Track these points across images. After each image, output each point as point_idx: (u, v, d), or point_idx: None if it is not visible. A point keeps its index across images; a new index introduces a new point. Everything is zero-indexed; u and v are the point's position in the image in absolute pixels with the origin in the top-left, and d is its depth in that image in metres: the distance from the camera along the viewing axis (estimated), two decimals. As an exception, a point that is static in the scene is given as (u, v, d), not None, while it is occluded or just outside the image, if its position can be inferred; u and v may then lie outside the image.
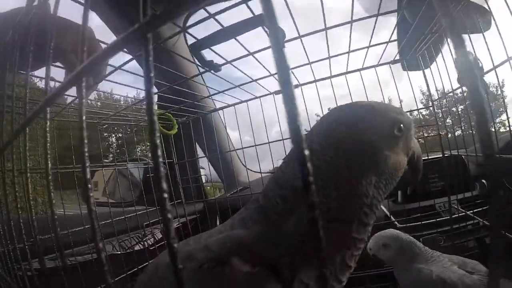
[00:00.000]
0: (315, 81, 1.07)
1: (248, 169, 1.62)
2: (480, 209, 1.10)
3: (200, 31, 0.77)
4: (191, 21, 0.71)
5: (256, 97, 1.17)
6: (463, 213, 1.12)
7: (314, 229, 0.12)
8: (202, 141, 1.49)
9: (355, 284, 1.11)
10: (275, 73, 0.89)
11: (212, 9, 0.64)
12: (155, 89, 1.10)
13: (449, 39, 0.88)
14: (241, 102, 1.20)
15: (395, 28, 0.85)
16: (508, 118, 0.75)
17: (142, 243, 1.28)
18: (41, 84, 0.95)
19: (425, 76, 1.04)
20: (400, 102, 1.09)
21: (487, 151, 0.14)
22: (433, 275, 0.79)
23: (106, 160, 1.73)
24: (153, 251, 1.25)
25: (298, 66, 0.97)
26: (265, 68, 0.94)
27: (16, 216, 0.55)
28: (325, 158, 0.50)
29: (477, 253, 1.18)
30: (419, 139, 1.16)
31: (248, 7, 0.64)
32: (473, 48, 0.75)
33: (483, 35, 0.74)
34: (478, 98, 0.14)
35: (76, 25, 0.66)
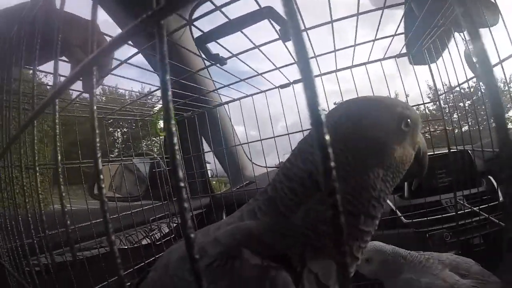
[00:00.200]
0: (320, 75, 1.07)
1: (254, 163, 1.62)
2: (487, 205, 1.09)
3: (206, 24, 0.76)
4: (197, 14, 0.70)
5: (262, 91, 1.17)
6: (469, 209, 1.11)
7: (335, 214, 0.12)
8: (207, 135, 1.49)
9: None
10: (281, 67, 0.89)
11: (218, 1, 0.64)
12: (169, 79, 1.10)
13: (455, 33, 0.88)
14: (247, 96, 1.20)
15: (401, 21, 0.84)
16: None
17: (149, 238, 1.29)
18: (45, 79, 0.96)
19: (431, 70, 1.03)
20: (406, 97, 1.08)
21: (503, 139, 0.14)
22: (423, 287, 0.76)
23: (112, 155, 1.73)
24: (160, 246, 1.26)
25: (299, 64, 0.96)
26: (271, 62, 0.93)
27: (23, 211, 0.56)
28: (333, 151, 0.49)
29: (482, 250, 1.18)
30: (426, 134, 1.15)
31: (255, -1, 0.64)
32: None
33: (490, 29, 0.73)
34: (493, 87, 0.14)
35: (81, 19, 0.66)
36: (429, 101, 1.20)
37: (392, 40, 0.91)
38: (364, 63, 1.03)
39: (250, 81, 1.06)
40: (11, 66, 0.51)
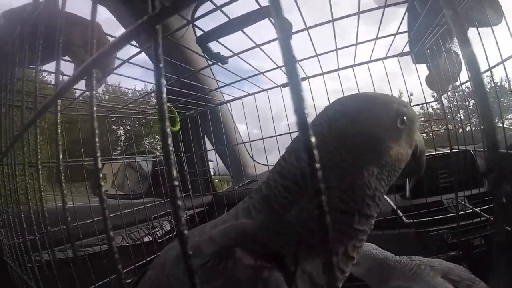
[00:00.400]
0: (322, 73, 1.07)
1: (256, 161, 1.62)
2: (488, 206, 1.09)
3: (208, 23, 0.77)
4: (198, 13, 0.71)
5: (263, 90, 1.17)
6: (471, 210, 1.10)
7: (321, 215, 0.12)
8: (210, 134, 1.49)
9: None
10: (282, 66, 0.89)
11: (219, 1, 0.64)
12: (164, 82, 1.11)
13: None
14: (249, 95, 1.20)
15: (403, 18, 0.84)
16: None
17: (150, 235, 1.29)
18: (48, 78, 0.96)
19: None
20: (410, 95, 1.08)
21: (490, 140, 0.14)
22: None
23: (115, 153, 1.74)
24: (161, 243, 1.27)
25: (305, 59, 0.96)
26: (272, 61, 0.93)
27: (26, 208, 0.56)
28: (327, 148, 0.50)
29: (483, 251, 1.17)
30: (429, 134, 1.15)
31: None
32: (481, 41, 0.74)
33: (492, 28, 0.73)
34: (482, 89, 0.14)
35: (83, 19, 0.66)
36: (432, 100, 1.19)
37: (394, 39, 0.91)
38: (366, 62, 1.03)
39: (252, 79, 1.06)
40: (14, 66, 0.52)
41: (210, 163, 1.74)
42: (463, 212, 1.12)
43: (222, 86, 1.20)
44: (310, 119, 0.13)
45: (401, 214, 1.26)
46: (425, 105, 1.12)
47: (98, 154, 0.18)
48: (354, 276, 0.93)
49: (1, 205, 0.69)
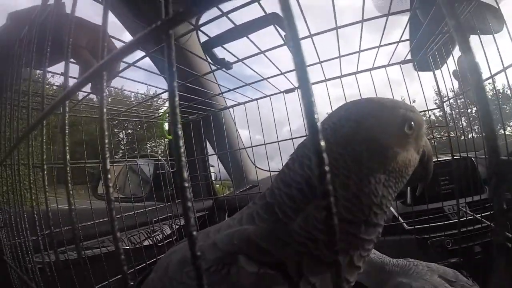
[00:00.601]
0: (325, 80, 1.07)
1: (257, 167, 1.62)
2: (489, 213, 1.08)
3: (212, 29, 0.77)
4: (204, 19, 0.71)
5: (266, 96, 1.18)
6: (472, 217, 1.10)
7: (328, 216, 0.12)
8: (212, 138, 1.50)
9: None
10: (286, 72, 0.90)
11: (225, 7, 0.65)
12: (166, 86, 1.11)
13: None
14: (252, 100, 1.21)
15: (405, 27, 0.84)
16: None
17: (151, 239, 1.30)
18: (52, 80, 0.97)
19: (435, 77, 1.03)
20: (412, 103, 1.09)
21: (491, 145, 0.14)
22: None
23: (116, 156, 1.74)
24: (162, 247, 1.27)
25: (308, 65, 0.96)
26: (276, 67, 0.94)
27: (28, 209, 0.57)
28: (332, 155, 0.48)
29: (483, 258, 1.17)
30: (430, 141, 1.15)
31: (260, 5, 0.65)
32: (483, 48, 0.74)
33: (493, 36, 0.73)
34: (483, 95, 0.14)
35: (88, 22, 0.67)
36: (435, 107, 1.19)
37: (396, 47, 0.91)
38: (369, 69, 1.04)
39: (255, 85, 1.07)
40: (20, 66, 0.52)
41: (211, 168, 1.74)
42: (464, 218, 1.12)
43: (225, 92, 1.20)
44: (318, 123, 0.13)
45: (402, 221, 1.26)
46: (427, 112, 1.12)
47: (107, 155, 0.18)
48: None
49: (3, 205, 0.70)
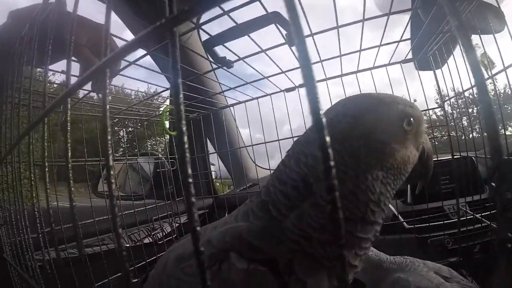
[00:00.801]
0: (325, 79, 1.07)
1: (258, 165, 1.63)
2: (489, 212, 1.08)
3: (213, 28, 0.77)
4: (205, 18, 0.71)
5: (267, 94, 1.18)
6: (472, 216, 1.11)
7: (333, 210, 0.12)
8: (212, 137, 1.50)
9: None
10: (287, 71, 0.90)
11: (226, 6, 0.65)
12: (168, 84, 1.11)
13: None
14: (252, 99, 1.21)
15: (406, 26, 0.84)
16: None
17: (151, 237, 1.30)
18: (52, 78, 0.97)
19: (436, 76, 1.03)
20: (414, 102, 1.09)
21: (493, 144, 0.14)
22: (411, 286, 0.73)
23: (117, 155, 1.75)
24: (162, 245, 1.27)
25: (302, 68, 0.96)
26: (277, 65, 0.94)
27: (28, 207, 0.57)
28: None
29: (483, 257, 1.17)
30: (431, 140, 1.15)
31: (262, 4, 0.65)
32: (483, 48, 0.74)
33: (494, 36, 0.73)
34: (485, 95, 0.14)
35: (88, 20, 0.67)
36: (435, 106, 1.19)
37: (397, 46, 0.91)
38: (370, 68, 1.04)
39: (256, 84, 1.07)
40: (21, 64, 0.52)
41: (211, 166, 1.74)
42: (464, 218, 1.12)
43: (226, 90, 1.21)
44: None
45: (402, 220, 1.26)
46: (427, 111, 1.12)
47: (111, 151, 0.18)
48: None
49: (3, 202, 0.70)
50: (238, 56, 0.84)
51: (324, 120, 0.13)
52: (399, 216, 1.27)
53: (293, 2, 0.13)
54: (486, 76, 0.74)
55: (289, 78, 1.05)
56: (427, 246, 1.21)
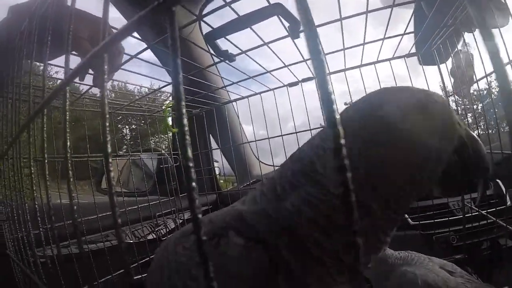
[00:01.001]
0: (329, 73, 1.06)
1: (261, 162, 1.62)
2: (494, 209, 1.07)
3: (214, 21, 0.77)
4: (207, 9, 0.71)
5: (270, 89, 1.17)
6: (477, 212, 1.10)
7: (346, 192, 0.12)
8: (216, 133, 1.50)
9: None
10: (290, 65, 0.89)
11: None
12: (169, 79, 1.11)
13: (465, 33, 0.87)
14: (255, 94, 1.20)
15: (410, 19, 0.83)
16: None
17: (154, 233, 1.30)
18: (52, 73, 0.97)
19: (440, 71, 1.02)
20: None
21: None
22: (418, 279, 0.72)
23: (120, 152, 1.75)
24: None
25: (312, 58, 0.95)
26: (280, 59, 0.93)
27: (30, 203, 0.56)
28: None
29: (489, 254, 1.16)
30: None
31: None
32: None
33: (499, 30, 0.72)
34: (506, 86, 0.14)
35: (87, 13, 0.68)
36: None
37: (401, 40, 0.90)
38: (373, 63, 1.03)
39: (259, 79, 1.06)
40: (21, 58, 0.52)
41: (215, 163, 1.74)
42: (469, 214, 1.11)
43: (229, 85, 1.20)
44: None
45: (407, 216, 1.25)
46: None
47: (109, 138, 0.17)
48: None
49: (5, 198, 0.70)
50: (241, 50, 0.84)
51: (333, 97, 0.12)
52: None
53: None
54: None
55: (292, 72, 1.05)
56: (432, 243, 1.20)
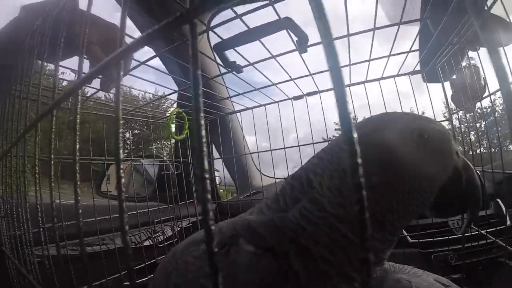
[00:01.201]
0: (332, 89, 1.07)
1: (262, 173, 1.62)
2: (494, 228, 1.07)
3: (222, 32, 0.78)
4: (216, 21, 0.72)
5: (275, 102, 1.17)
6: (476, 232, 1.09)
7: (361, 210, 0.12)
8: (218, 142, 1.50)
9: None
10: (296, 78, 0.89)
11: (238, 10, 0.65)
12: (176, 87, 1.11)
13: (469, 52, 0.87)
14: (260, 105, 1.20)
15: (416, 37, 0.84)
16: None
17: (151, 239, 1.29)
18: (63, 75, 0.98)
19: (444, 89, 1.03)
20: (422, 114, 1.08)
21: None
22: (413, 286, 0.70)
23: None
24: (162, 249, 1.26)
25: (318, 72, 0.96)
26: (286, 72, 0.94)
27: (31, 201, 0.57)
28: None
29: (486, 274, 1.16)
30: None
31: (274, 9, 0.65)
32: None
33: (504, 49, 0.73)
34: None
35: (101, 19, 0.68)
36: (443, 119, 1.18)
37: (406, 57, 0.91)
38: (378, 79, 1.03)
39: (264, 91, 1.07)
40: (32, 58, 0.53)
41: (216, 172, 1.74)
42: (469, 234, 1.10)
43: (234, 96, 1.20)
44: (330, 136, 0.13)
45: (406, 234, 1.25)
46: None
47: (121, 144, 0.18)
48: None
49: (6, 196, 0.70)
50: (248, 61, 0.84)
51: (351, 114, 0.13)
52: (403, 230, 1.25)
53: (322, 6, 0.13)
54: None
55: (297, 86, 1.05)
56: (431, 261, 1.20)
